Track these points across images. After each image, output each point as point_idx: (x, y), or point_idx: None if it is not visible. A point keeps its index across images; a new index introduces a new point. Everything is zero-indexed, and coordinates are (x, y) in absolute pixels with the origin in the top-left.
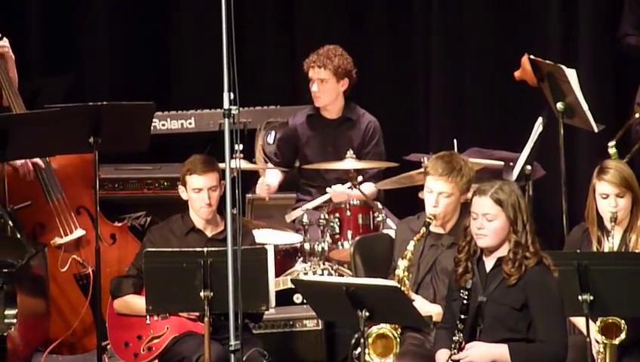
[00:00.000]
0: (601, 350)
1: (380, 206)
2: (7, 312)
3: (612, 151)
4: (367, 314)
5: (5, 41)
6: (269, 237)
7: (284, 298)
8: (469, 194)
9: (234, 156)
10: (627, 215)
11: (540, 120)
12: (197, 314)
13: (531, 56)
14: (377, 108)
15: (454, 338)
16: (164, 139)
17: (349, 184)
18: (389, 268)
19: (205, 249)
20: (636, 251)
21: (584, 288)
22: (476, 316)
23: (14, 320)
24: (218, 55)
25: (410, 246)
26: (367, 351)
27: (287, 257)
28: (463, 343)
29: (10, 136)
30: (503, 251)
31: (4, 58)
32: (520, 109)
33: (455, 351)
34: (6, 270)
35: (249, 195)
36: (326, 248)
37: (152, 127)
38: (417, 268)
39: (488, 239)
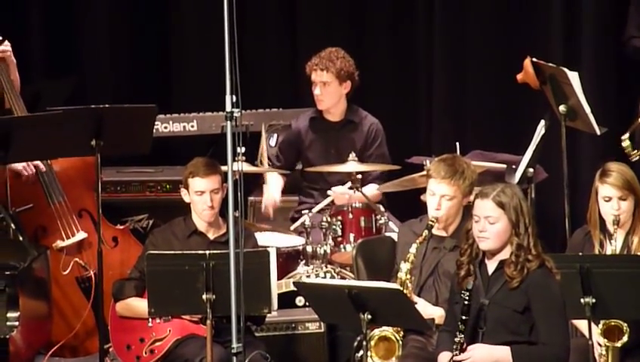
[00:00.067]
0: (604, 353)
1: (382, 208)
2: (9, 315)
3: (626, 143)
4: (369, 316)
5: (7, 45)
6: (271, 240)
7: (287, 300)
8: (472, 197)
9: (236, 159)
10: (630, 217)
11: (542, 123)
12: (199, 316)
13: (534, 59)
14: (379, 111)
15: (455, 339)
16: (166, 142)
17: (349, 184)
18: (392, 271)
19: (207, 251)
20: (638, 254)
21: (586, 291)
22: (477, 318)
23: (16, 323)
24: (220, 57)
25: (413, 249)
26: (369, 353)
27: (289, 260)
28: (465, 344)
29: (12, 138)
30: (505, 254)
31: (5, 61)
32: (522, 112)
33: (456, 352)
34: (8, 272)
35: (251, 198)
36: (328, 251)
37: (154, 130)
38: (420, 271)
39: (490, 242)
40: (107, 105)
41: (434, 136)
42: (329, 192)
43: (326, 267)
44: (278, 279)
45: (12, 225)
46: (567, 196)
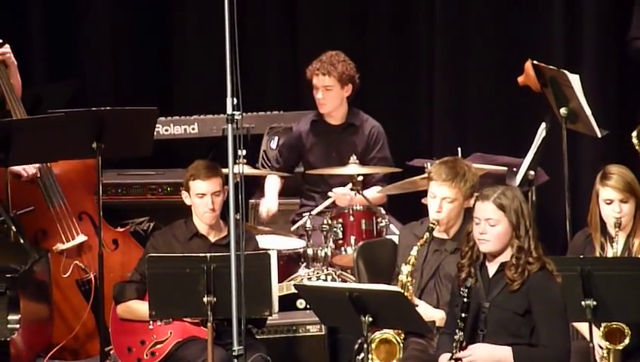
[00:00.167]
0: (605, 355)
1: (383, 211)
2: (10, 317)
3: (636, 141)
4: (370, 319)
5: (7, 47)
6: (272, 243)
7: (288, 303)
8: (472, 200)
9: (237, 161)
10: (631, 220)
11: (543, 125)
12: (200, 318)
13: (534, 62)
14: (380, 113)
15: (455, 337)
16: (167, 145)
17: (350, 185)
18: (393, 274)
19: (208, 254)
20: (639, 256)
21: (587, 293)
22: (478, 320)
23: (17, 326)
24: (221, 60)
25: (414, 252)
26: (370, 356)
27: (290, 262)
28: (464, 342)
29: (12, 141)
30: (505, 256)
31: (5, 64)
32: (523, 115)
33: (456, 350)
34: (9, 275)
35: (252, 200)
36: (329, 253)
37: (155, 133)
38: (421, 274)
39: (490, 244)
40: (108, 108)
41: (435, 138)
42: (330, 193)
43: (327, 269)
44: (279, 282)
45: (13, 227)
46: (568, 199)
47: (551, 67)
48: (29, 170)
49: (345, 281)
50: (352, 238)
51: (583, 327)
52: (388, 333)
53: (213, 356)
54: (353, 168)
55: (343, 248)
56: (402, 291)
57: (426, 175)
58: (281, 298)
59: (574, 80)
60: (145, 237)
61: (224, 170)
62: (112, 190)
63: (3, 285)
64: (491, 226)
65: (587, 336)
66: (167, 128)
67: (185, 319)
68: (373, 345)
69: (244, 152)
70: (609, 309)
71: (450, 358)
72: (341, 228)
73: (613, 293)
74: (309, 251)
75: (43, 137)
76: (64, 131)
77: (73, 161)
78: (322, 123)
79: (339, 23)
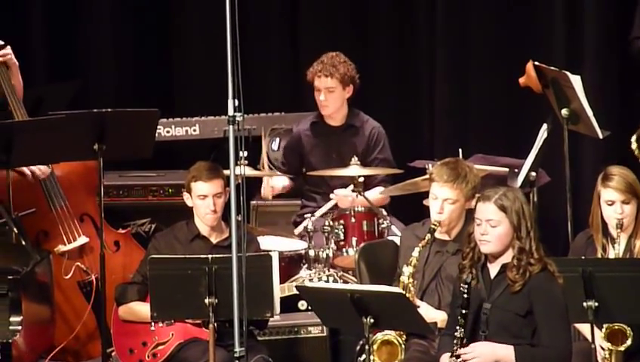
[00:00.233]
0: (607, 356)
1: (384, 212)
2: (12, 319)
3: (635, 145)
4: (371, 320)
5: (8, 49)
6: (273, 244)
7: (289, 304)
8: (474, 201)
9: (238, 163)
10: (632, 221)
11: (544, 126)
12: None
13: (536, 63)
14: (381, 115)
15: (456, 334)
16: (168, 146)
17: (351, 186)
18: (394, 275)
19: (210, 256)
20: None
21: (589, 295)
22: (479, 321)
23: (19, 327)
24: (222, 62)
25: (416, 253)
26: (372, 357)
27: (291, 264)
28: (465, 339)
29: (14, 143)
30: (507, 257)
31: (7, 65)
32: (525, 116)
33: (457, 347)
34: (11, 277)
35: (254, 202)
36: (330, 255)
37: (156, 134)
38: (422, 275)
39: (492, 245)
40: (109, 110)
41: (436, 139)
42: (332, 195)
43: (328, 271)
44: (281, 283)
45: (15, 229)
46: (569, 200)
47: (552, 68)
48: (37, 170)
49: (346, 283)
50: (354, 239)
51: (584, 328)
52: (389, 335)
53: (215, 357)
54: (354, 169)
55: (344, 249)
56: (404, 292)
57: (427, 176)
58: (282, 299)
59: (576, 81)
60: (146, 239)
61: (225, 172)
62: (114, 191)
63: (5, 286)
64: (492, 227)
65: (589, 337)
66: (169, 130)
67: (186, 320)
68: (375, 347)
69: (246, 154)
70: (611, 310)
71: (451, 355)
72: (343, 230)
73: (614, 294)
74: (311, 252)
75: (44, 139)
76: (65, 133)
77: (74, 163)
78: (322, 124)
79: (340, 23)
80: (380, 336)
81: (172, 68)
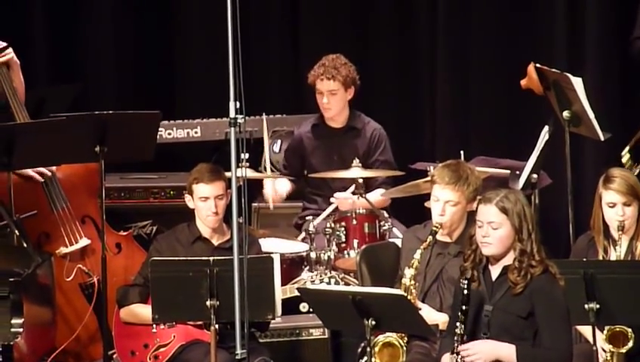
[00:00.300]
0: (608, 358)
1: (386, 214)
2: (13, 321)
3: (625, 159)
4: (373, 322)
5: (9, 51)
6: (275, 246)
7: (291, 306)
8: (475, 203)
9: (240, 165)
10: (634, 223)
11: (546, 128)
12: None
13: (537, 65)
14: (383, 116)
15: (456, 330)
16: (170, 148)
17: (352, 188)
18: (396, 277)
19: (211, 258)
20: None
21: (590, 297)
22: (480, 323)
23: (21, 329)
24: (224, 64)
25: (417, 255)
26: (373, 359)
27: (293, 266)
28: (465, 336)
29: (15, 145)
30: (508, 260)
31: (8, 66)
32: (526, 118)
33: (457, 344)
34: (12, 279)
35: (255, 204)
36: (332, 257)
37: (157, 136)
38: (424, 277)
39: (493, 247)
40: (111, 112)
41: (437, 141)
42: (332, 199)
43: (330, 273)
44: (282, 285)
45: (16, 231)
46: (570, 202)
47: (554, 70)
48: (45, 170)
49: (348, 285)
50: (355, 242)
51: (586, 331)
52: (391, 337)
53: (217, 359)
54: (356, 171)
55: (346, 251)
56: (405, 294)
57: (429, 178)
58: (284, 301)
59: (577, 83)
60: (148, 241)
61: (227, 174)
62: (115, 194)
63: (6, 289)
64: (494, 229)
65: (590, 340)
66: (170, 132)
67: (188, 322)
68: (377, 349)
69: (247, 156)
70: (612, 312)
71: (452, 352)
72: (344, 232)
73: (616, 296)
74: (312, 254)
75: (46, 141)
76: (67, 135)
77: (76, 165)
78: (323, 126)
79: (340, 25)
80: (381, 338)
81: (173, 70)
